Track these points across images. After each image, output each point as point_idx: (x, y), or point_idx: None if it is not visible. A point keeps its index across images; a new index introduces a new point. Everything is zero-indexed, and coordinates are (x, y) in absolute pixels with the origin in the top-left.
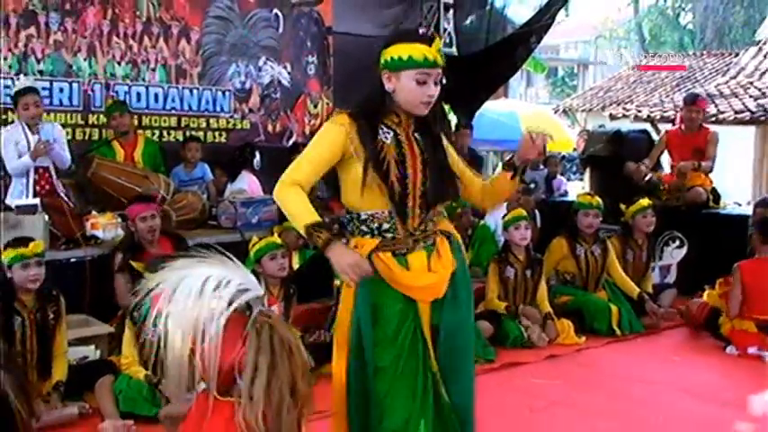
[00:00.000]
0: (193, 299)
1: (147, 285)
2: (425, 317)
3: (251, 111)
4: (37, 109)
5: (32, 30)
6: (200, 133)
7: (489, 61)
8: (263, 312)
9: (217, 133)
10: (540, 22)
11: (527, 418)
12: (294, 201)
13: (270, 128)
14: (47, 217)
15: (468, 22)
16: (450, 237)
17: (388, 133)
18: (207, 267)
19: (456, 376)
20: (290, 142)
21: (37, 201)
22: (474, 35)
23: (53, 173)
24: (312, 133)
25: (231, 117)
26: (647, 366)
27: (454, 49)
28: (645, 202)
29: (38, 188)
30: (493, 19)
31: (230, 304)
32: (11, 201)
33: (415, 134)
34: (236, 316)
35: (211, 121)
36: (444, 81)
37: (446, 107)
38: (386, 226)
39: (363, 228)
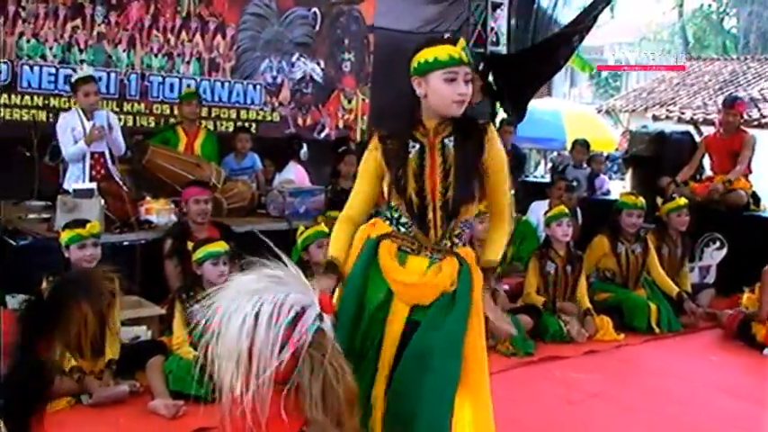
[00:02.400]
0: (247, 333)
1: (203, 312)
2: (400, 318)
3: (281, 104)
4: (96, 96)
5: (78, 21)
6: (230, 124)
7: (533, 60)
8: (316, 339)
9: (246, 124)
10: (584, 23)
11: (565, 409)
12: (335, 233)
13: (300, 120)
14: (103, 201)
15: (513, 21)
16: (463, 262)
17: (414, 146)
18: (258, 293)
19: (425, 388)
20: (323, 135)
21: (94, 185)
22: (520, 35)
23: (108, 158)
24: (345, 127)
25: (261, 109)
26: (684, 364)
27: (502, 48)
28: (681, 201)
29: (93, 173)
30: (540, 20)
31: (288, 335)
32: (68, 185)
33: (446, 139)
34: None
35: (242, 112)
36: (491, 78)
37: (496, 104)
38: (404, 220)
39: (387, 213)
